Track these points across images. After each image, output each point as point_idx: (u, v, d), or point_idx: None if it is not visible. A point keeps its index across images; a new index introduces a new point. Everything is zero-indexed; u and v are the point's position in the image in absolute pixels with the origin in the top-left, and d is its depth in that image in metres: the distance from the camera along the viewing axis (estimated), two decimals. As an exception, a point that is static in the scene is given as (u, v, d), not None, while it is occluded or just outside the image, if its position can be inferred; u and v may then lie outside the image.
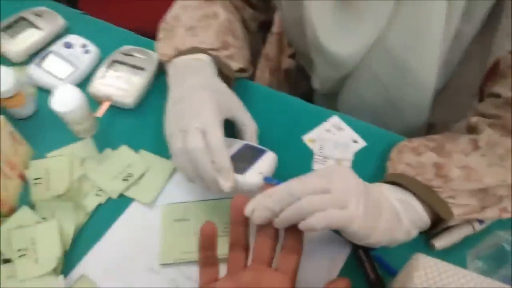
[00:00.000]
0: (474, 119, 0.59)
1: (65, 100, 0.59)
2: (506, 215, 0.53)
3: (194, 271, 0.54)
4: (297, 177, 0.49)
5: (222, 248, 0.50)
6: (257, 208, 0.46)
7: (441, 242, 0.55)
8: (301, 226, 0.44)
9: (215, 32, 0.66)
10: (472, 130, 0.59)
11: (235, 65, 0.67)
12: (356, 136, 0.66)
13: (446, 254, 0.56)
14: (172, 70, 0.63)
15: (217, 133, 0.52)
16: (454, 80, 0.71)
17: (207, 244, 0.47)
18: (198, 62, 0.62)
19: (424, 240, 0.57)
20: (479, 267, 0.54)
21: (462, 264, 0.54)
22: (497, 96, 0.59)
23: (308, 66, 0.82)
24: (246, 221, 0.48)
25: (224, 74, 0.65)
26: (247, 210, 0.47)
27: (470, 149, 0.54)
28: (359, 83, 0.71)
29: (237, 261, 0.48)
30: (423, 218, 0.52)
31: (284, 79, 0.97)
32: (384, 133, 0.67)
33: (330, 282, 0.45)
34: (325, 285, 0.45)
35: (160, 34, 0.68)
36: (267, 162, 0.55)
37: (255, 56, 0.95)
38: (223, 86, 0.61)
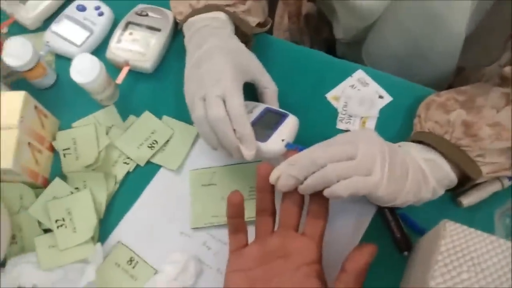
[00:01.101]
0: (508, 69, 0.55)
1: (85, 71, 0.59)
2: None
3: (223, 234, 0.56)
4: (321, 143, 0.48)
5: (249, 211, 0.51)
6: (282, 177, 0.47)
7: (469, 199, 0.55)
8: (326, 193, 0.45)
9: None
10: (505, 80, 0.56)
11: (253, 20, 0.64)
12: (382, 91, 0.64)
13: (474, 211, 0.56)
14: (189, 32, 0.61)
15: (237, 100, 0.51)
16: (486, 20, 0.67)
17: (234, 212, 0.48)
18: (215, 22, 0.60)
19: (451, 197, 0.57)
20: (507, 224, 0.54)
21: (490, 221, 0.55)
22: None
23: (329, 14, 0.78)
24: (271, 188, 0.49)
25: (243, 32, 0.62)
26: (272, 177, 0.47)
27: (503, 104, 0.51)
28: (385, 33, 0.67)
29: (264, 227, 0.49)
30: (450, 177, 0.51)
31: (305, 25, 0.93)
32: (412, 86, 0.65)
33: (357, 248, 0.46)
34: (352, 251, 0.46)
35: None
36: (288, 127, 0.54)
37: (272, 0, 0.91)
38: (241, 46, 0.59)
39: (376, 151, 0.46)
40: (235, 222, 0.49)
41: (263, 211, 0.50)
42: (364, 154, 0.45)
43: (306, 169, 0.45)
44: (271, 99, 0.59)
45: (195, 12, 0.61)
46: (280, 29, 0.96)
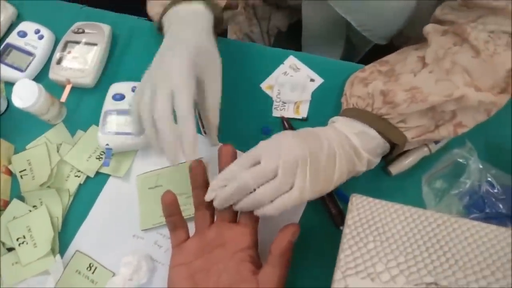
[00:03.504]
0: (428, 27, 0.56)
1: (24, 95, 0.62)
2: (462, 130, 0.53)
3: (172, 232, 0.60)
4: (247, 155, 0.49)
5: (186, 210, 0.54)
6: (216, 200, 0.49)
7: (397, 168, 0.57)
8: (258, 213, 0.48)
9: None
10: (425, 40, 0.56)
11: (221, 1, 0.63)
12: (312, 74, 0.66)
13: (404, 179, 0.58)
14: (166, 26, 0.60)
15: (186, 97, 0.49)
16: None
17: (170, 211, 0.52)
18: (190, 15, 0.59)
19: (382, 168, 0.59)
20: (436, 187, 0.56)
21: (419, 187, 0.57)
22: None
23: None
24: (205, 183, 0.52)
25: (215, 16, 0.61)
26: (207, 197, 0.50)
27: (419, 67, 0.53)
28: None
29: (203, 220, 0.53)
30: (381, 144, 0.53)
31: (253, 15, 0.94)
32: (341, 65, 0.67)
33: (280, 229, 0.49)
34: (277, 234, 0.48)
35: None
36: None
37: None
38: (208, 44, 0.56)
39: (294, 160, 0.47)
40: (173, 220, 0.52)
41: (200, 205, 0.53)
42: (283, 169, 0.46)
43: (238, 193, 0.48)
44: (209, 125, 0.57)
45: (172, 4, 0.60)
46: (232, 21, 0.98)
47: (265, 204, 0.47)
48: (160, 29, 0.63)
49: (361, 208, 0.44)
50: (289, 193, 0.47)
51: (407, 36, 0.71)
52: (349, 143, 0.52)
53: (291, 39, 0.94)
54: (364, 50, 0.84)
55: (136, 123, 0.53)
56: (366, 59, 0.71)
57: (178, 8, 0.59)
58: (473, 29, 0.50)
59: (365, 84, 0.55)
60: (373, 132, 0.52)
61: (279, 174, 0.46)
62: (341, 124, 0.54)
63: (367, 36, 0.69)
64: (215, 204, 0.50)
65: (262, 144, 0.50)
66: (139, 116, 0.52)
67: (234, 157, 0.52)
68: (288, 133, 0.50)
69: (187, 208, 0.59)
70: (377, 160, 0.54)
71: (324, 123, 0.57)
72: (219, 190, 0.49)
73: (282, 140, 0.49)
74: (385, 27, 0.68)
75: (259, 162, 0.47)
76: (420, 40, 0.73)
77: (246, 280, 0.47)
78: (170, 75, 0.51)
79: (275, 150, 0.48)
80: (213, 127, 0.56)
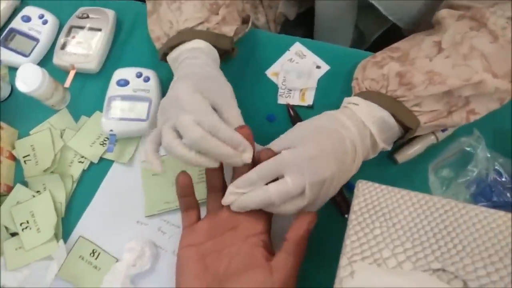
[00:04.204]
0: (442, 13, 0.54)
1: (28, 80, 0.61)
2: (474, 117, 0.52)
3: (176, 218, 0.60)
4: (266, 169, 0.47)
5: (199, 194, 0.53)
6: (235, 204, 0.48)
7: (403, 156, 0.57)
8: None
9: None
10: (438, 25, 0.55)
11: (230, 29, 0.61)
12: (319, 61, 0.65)
13: (410, 166, 0.57)
14: (173, 67, 0.60)
15: (211, 117, 0.48)
16: None
17: (184, 192, 0.51)
18: (193, 52, 0.57)
19: (387, 155, 0.58)
20: (443, 176, 0.55)
21: (425, 175, 0.56)
22: None
23: None
24: (220, 166, 0.51)
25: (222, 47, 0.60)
26: (226, 201, 0.49)
27: (435, 52, 0.52)
28: None
29: (215, 203, 0.51)
30: (397, 133, 0.52)
31: (259, 2, 0.93)
32: (347, 52, 0.66)
33: (297, 217, 0.48)
34: (293, 221, 0.48)
35: (148, 5, 0.64)
36: None
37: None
38: (215, 74, 0.55)
39: (323, 180, 0.45)
40: (186, 201, 0.52)
41: (213, 187, 0.52)
42: (311, 190, 0.45)
43: (259, 205, 0.47)
44: None
45: (171, 42, 0.59)
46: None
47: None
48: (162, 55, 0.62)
49: (367, 194, 0.44)
50: (312, 206, 0.47)
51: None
52: (369, 135, 0.50)
53: (298, 26, 0.93)
54: (372, 38, 0.83)
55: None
56: (373, 48, 0.70)
57: (181, 48, 0.58)
58: (492, 14, 0.49)
59: (380, 66, 0.54)
60: (392, 121, 0.51)
61: (307, 195, 0.45)
62: (360, 110, 0.51)
63: (394, 20, 0.67)
64: (233, 208, 0.49)
65: (287, 158, 0.46)
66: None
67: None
68: (313, 150, 0.46)
69: (191, 195, 0.58)
70: (389, 147, 0.54)
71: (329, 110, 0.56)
72: (238, 196, 0.48)
73: (309, 158, 0.46)
74: (411, 10, 0.67)
75: (282, 176, 0.46)
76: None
77: (259, 266, 0.45)
78: (184, 108, 0.48)
79: (302, 167, 0.45)
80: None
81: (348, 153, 0.48)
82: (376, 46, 0.76)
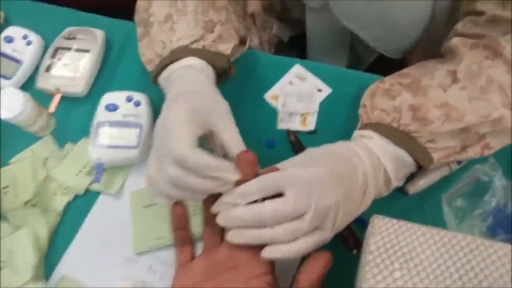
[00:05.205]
0: (454, 41, 0.52)
1: (9, 105, 0.57)
2: (489, 152, 0.49)
3: (168, 256, 0.55)
4: (266, 182, 0.42)
5: (193, 227, 0.49)
6: (221, 215, 0.44)
7: (415, 187, 0.53)
8: (269, 256, 0.42)
9: (193, 14, 0.57)
10: (451, 54, 0.52)
11: (226, 47, 0.57)
12: (320, 84, 0.62)
13: (422, 197, 0.54)
14: (165, 88, 0.55)
15: (192, 158, 0.43)
16: None
17: (179, 224, 0.47)
18: (186, 70, 0.53)
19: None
20: (457, 206, 0.52)
21: (438, 206, 0.52)
22: (480, 13, 0.51)
23: None
24: (218, 197, 0.46)
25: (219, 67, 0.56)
26: (215, 209, 0.44)
27: (449, 82, 0.48)
28: None
29: (213, 237, 0.47)
30: (412, 170, 0.49)
31: (252, 24, 0.91)
32: (350, 74, 0.63)
33: (311, 258, 0.43)
34: (307, 261, 0.43)
35: (138, 30, 0.61)
36: None
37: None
38: (207, 91, 0.51)
39: (328, 206, 0.41)
40: (181, 234, 0.47)
41: (210, 220, 0.46)
42: (313, 216, 0.41)
43: (250, 221, 0.42)
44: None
45: (164, 62, 0.55)
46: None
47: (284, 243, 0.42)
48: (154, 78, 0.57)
49: (384, 232, 0.40)
50: (312, 237, 0.42)
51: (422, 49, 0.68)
52: (383, 172, 0.47)
53: (293, 48, 0.90)
54: (369, 60, 0.81)
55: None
56: (372, 69, 0.68)
57: (173, 67, 0.54)
58: (507, 43, 0.46)
59: (391, 97, 0.50)
60: (408, 159, 0.47)
61: (307, 220, 0.40)
62: (375, 144, 0.48)
63: (382, 51, 0.66)
64: (218, 220, 0.44)
65: (292, 173, 0.43)
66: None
67: (255, 167, 0.45)
68: (322, 170, 0.43)
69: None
70: (401, 184, 0.50)
71: (333, 136, 0.52)
72: (230, 207, 0.43)
73: (317, 177, 0.42)
74: (398, 41, 0.65)
75: (283, 192, 0.42)
76: (429, 50, 0.70)
77: None
78: (169, 143, 0.44)
79: (307, 189, 0.41)
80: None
81: (358, 183, 0.44)
82: (375, 67, 0.73)
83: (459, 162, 0.53)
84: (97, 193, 0.59)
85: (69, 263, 0.56)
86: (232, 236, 0.43)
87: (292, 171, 0.43)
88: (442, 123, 0.46)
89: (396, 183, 0.47)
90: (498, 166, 0.51)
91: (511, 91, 0.46)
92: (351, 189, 0.44)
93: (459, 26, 0.53)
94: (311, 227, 0.41)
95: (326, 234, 0.42)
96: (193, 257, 0.47)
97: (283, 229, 0.41)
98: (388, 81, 0.52)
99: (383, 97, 0.51)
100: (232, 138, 0.47)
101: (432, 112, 0.46)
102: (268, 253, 0.42)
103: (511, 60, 0.46)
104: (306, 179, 0.42)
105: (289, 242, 0.41)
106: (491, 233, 0.51)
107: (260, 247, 0.43)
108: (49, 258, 0.56)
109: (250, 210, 0.42)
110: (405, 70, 0.54)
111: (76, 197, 0.59)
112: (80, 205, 0.59)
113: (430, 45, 0.68)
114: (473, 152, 0.48)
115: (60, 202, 0.59)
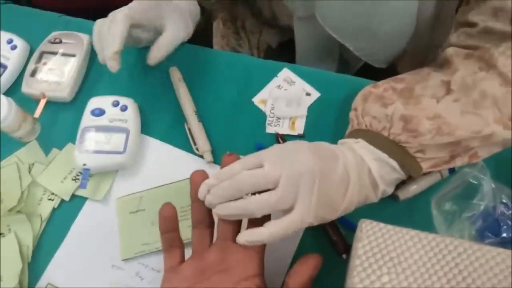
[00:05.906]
0: (450, 50, 0.51)
1: (-8, 111, 0.56)
2: (476, 160, 0.49)
3: (156, 262, 0.54)
4: (248, 158, 0.44)
5: (181, 233, 0.48)
6: (208, 195, 0.44)
7: (405, 193, 0.52)
8: (249, 240, 0.43)
9: None
10: (447, 63, 0.51)
11: None
12: (308, 88, 0.62)
13: (412, 202, 0.53)
14: None
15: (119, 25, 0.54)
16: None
17: (168, 226, 0.46)
18: None
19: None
20: (446, 210, 0.52)
21: (428, 210, 0.52)
22: (472, 25, 0.51)
23: None
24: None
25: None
26: (201, 193, 0.45)
27: (443, 93, 0.48)
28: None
29: (201, 240, 0.46)
30: (400, 177, 0.49)
31: (241, 29, 0.90)
32: (338, 78, 0.63)
33: (300, 260, 0.43)
34: (296, 264, 0.43)
35: None
36: None
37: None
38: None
39: (300, 174, 0.42)
40: (169, 237, 0.46)
41: (199, 223, 0.46)
42: (286, 180, 0.41)
43: (230, 192, 0.43)
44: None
45: None
46: (217, 35, 0.94)
47: (254, 216, 0.42)
48: None
49: (372, 236, 0.39)
50: (287, 216, 0.41)
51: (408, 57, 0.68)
52: (368, 173, 0.46)
53: (282, 54, 0.90)
54: (357, 65, 0.81)
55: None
56: (360, 74, 0.68)
57: None
58: (500, 55, 0.46)
59: (383, 104, 0.49)
60: (394, 164, 0.47)
61: (280, 185, 0.41)
62: (360, 146, 0.48)
63: (367, 61, 0.66)
64: (206, 201, 0.44)
65: (274, 147, 0.45)
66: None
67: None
68: (304, 144, 0.46)
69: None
70: (391, 190, 0.49)
71: (321, 140, 0.51)
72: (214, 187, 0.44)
73: (296, 149, 0.44)
74: (384, 51, 0.66)
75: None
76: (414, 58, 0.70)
77: None
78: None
79: (285, 157, 0.43)
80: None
81: (337, 168, 0.44)
82: (364, 72, 0.73)
83: (450, 171, 0.53)
84: (84, 199, 0.58)
85: (55, 271, 0.55)
86: (218, 209, 0.44)
87: (274, 146, 0.46)
88: (433, 137, 0.45)
89: (383, 186, 0.47)
90: (487, 169, 0.51)
91: (504, 105, 0.45)
92: (329, 169, 0.43)
93: (453, 38, 0.53)
94: (283, 196, 0.41)
95: (300, 214, 0.41)
96: (182, 261, 0.46)
97: (255, 198, 0.42)
98: (382, 86, 0.52)
99: (376, 103, 0.50)
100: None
101: (423, 124, 0.46)
102: (247, 237, 0.42)
103: (504, 73, 0.45)
104: (282, 149, 0.45)
105: (262, 215, 0.42)
106: (480, 236, 0.51)
107: (249, 249, 0.44)
108: (35, 265, 0.55)
109: (232, 180, 0.43)
110: (400, 76, 0.53)
111: (62, 203, 0.58)
112: (66, 211, 0.57)
113: (417, 53, 0.68)
114: (461, 161, 0.48)
115: (45, 208, 0.57)
